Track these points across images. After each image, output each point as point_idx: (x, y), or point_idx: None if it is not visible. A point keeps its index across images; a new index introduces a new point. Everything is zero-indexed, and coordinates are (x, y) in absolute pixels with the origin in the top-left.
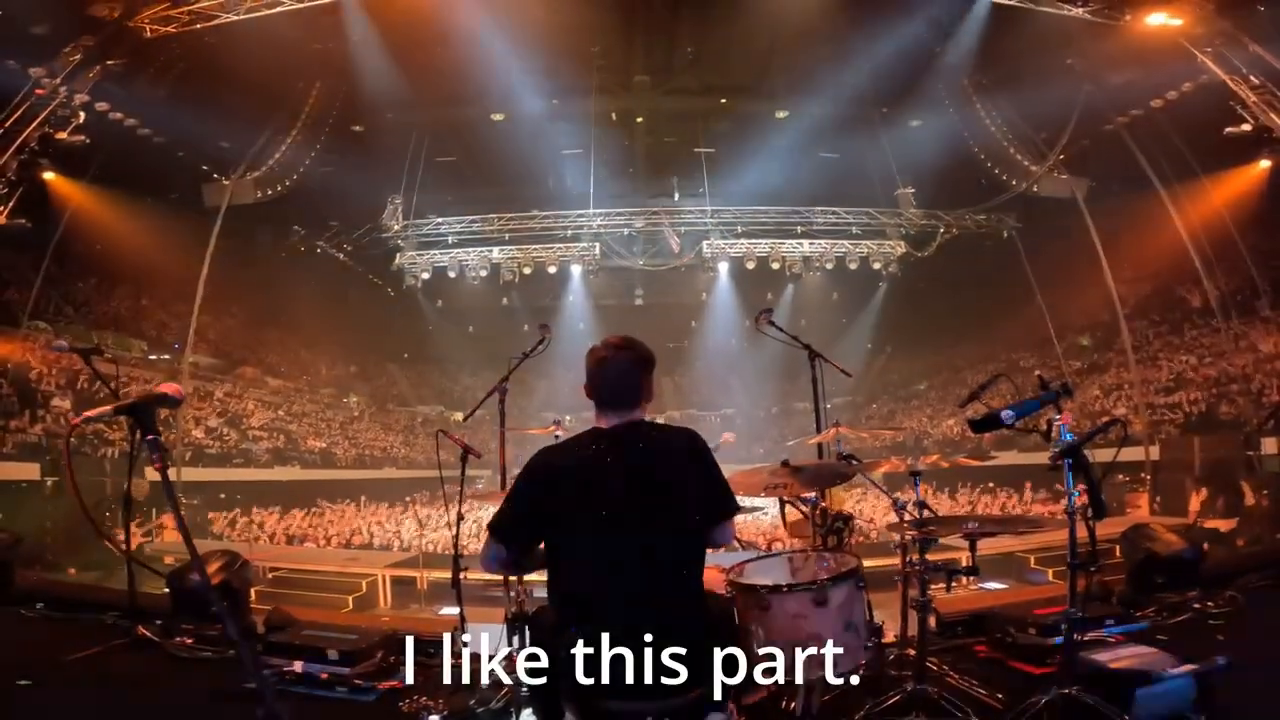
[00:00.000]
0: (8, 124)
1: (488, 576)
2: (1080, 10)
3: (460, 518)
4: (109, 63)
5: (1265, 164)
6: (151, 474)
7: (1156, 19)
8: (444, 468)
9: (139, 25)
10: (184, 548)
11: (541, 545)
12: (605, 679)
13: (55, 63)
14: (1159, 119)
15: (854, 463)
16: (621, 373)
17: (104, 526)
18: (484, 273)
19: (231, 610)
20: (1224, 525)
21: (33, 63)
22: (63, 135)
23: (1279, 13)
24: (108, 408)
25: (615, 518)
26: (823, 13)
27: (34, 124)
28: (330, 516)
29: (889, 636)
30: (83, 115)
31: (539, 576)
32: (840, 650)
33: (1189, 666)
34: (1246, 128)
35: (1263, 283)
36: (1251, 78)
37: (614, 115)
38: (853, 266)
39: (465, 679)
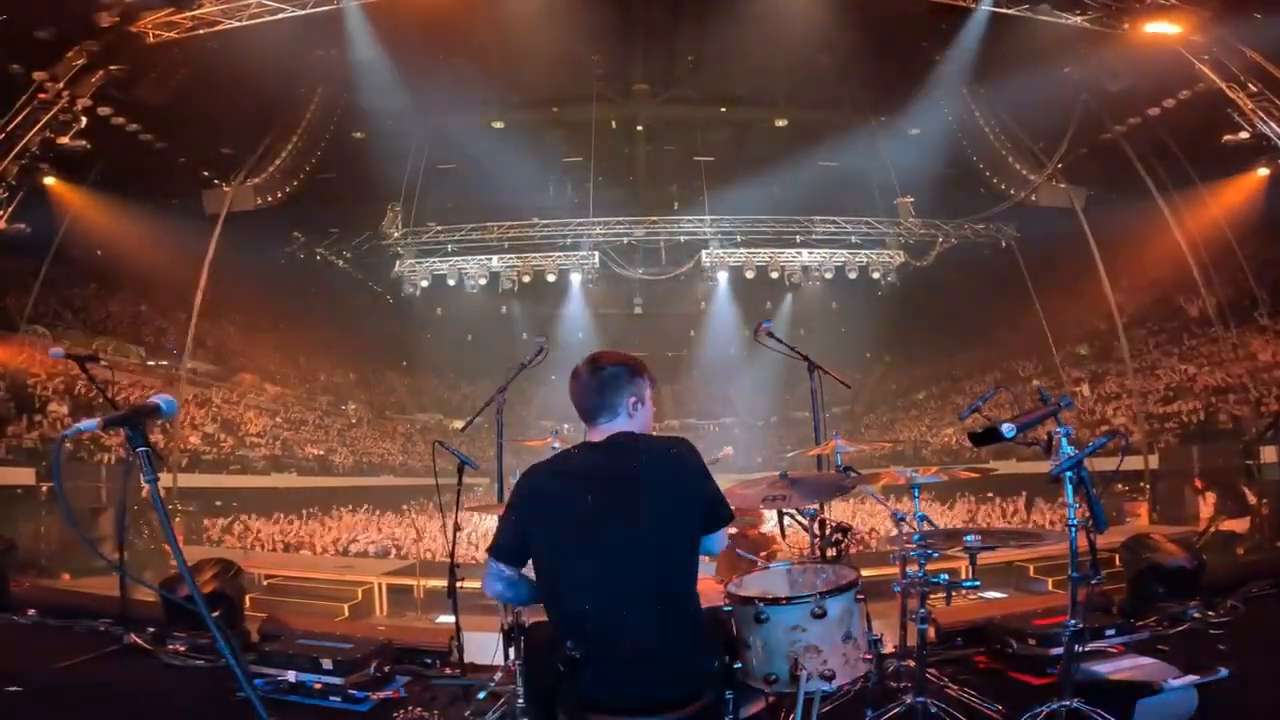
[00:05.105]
0: (9, 128)
1: (483, 585)
2: (1078, 19)
3: (457, 527)
4: (111, 68)
5: (1263, 172)
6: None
7: (1154, 27)
8: (441, 476)
9: (141, 30)
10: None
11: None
12: (601, 693)
13: (57, 67)
14: (1157, 127)
15: (852, 474)
16: (585, 386)
17: (97, 534)
18: (483, 281)
19: (226, 618)
20: (1238, 526)
21: (35, 67)
22: (64, 140)
23: (1276, 20)
24: (97, 420)
25: (604, 530)
26: (822, 22)
27: (35, 128)
28: (322, 526)
29: (888, 648)
30: (84, 120)
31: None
32: (839, 662)
33: (1190, 677)
34: (1244, 135)
35: (1261, 291)
36: (1249, 85)
37: (614, 123)
38: (852, 276)
39: (461, 690)
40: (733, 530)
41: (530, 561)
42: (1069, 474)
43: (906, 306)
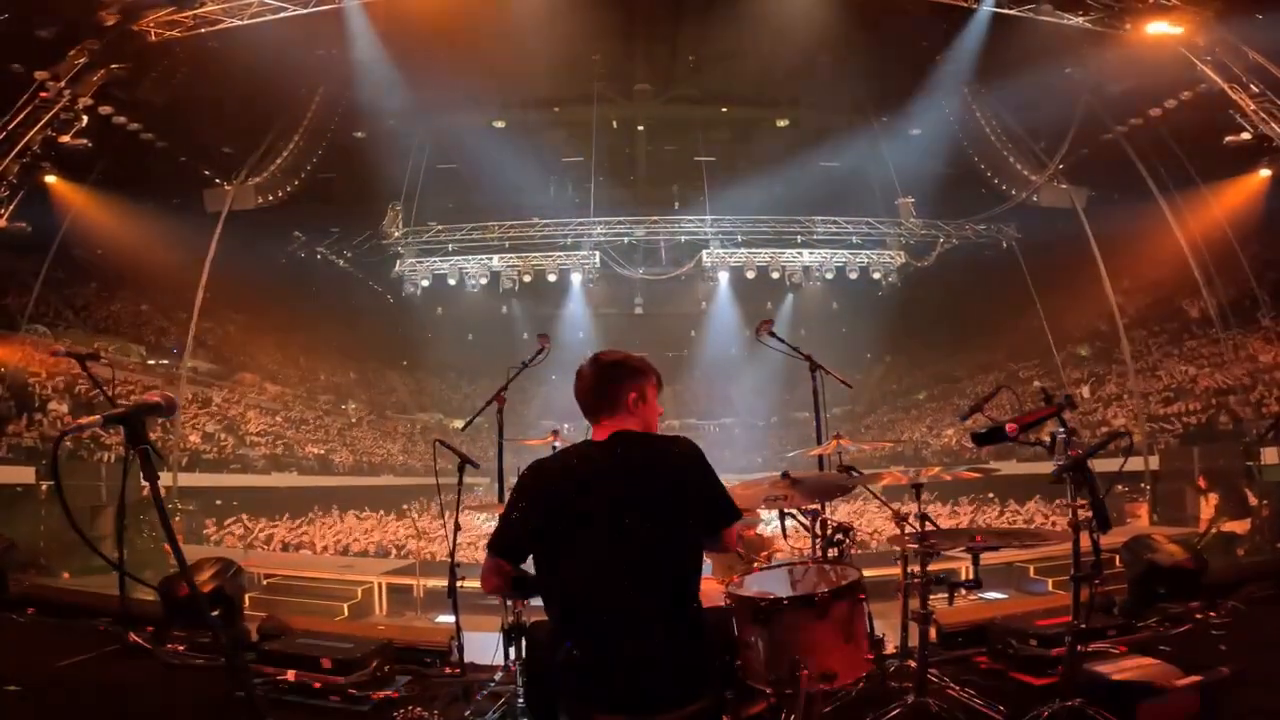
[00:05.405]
0: (11, 127)
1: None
2: (1080, 19)
3: (458, 526)
4: (113, 66)
5: (1265, 173)
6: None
7: (1156, 27)
8: (442, 475)
9: (143, 29)
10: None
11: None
12: (602, 692)
13: (59, 66)
14: (1158, 128)
15: (855, 474)
16: (587, 383)
17: (97, 532)
18: (484, 280)
19: (225, 617)
20: (1238, 527)
21: (37, 66)
22: (65, 139)
23: (1278, 20)
24: (97, 418)
25: (605, 528)
26: (824, 22)
27: (37, 127)
28: (321, 528)
29: (889, 648)
30: (86, 119)
31: None
32: (840, 663)
33: (1193, 678)
34: (1246, 136)
35: (1262, 292)
36: (1251, 86)
37: (615, 123)
38: (852, 276)
39: (461, 690)
40: None
41: (529, 557)
42: (1071, 474)
43: (907, 307)
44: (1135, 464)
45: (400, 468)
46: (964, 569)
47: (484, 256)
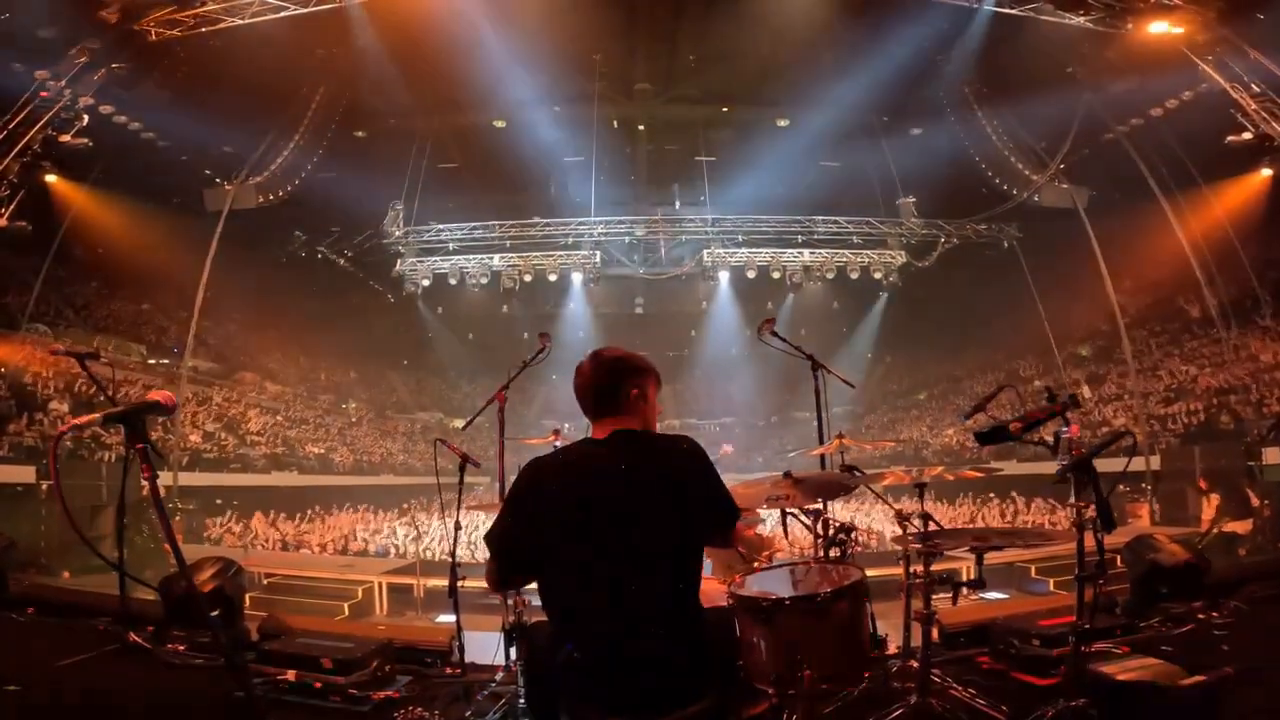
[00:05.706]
0: (11, 126)
1: (485, 584)
2: (1081, 19)
3: (458, 526)
4: (114, 66)
5: (1266, 172)
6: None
7: (1158, 27)
8: (442, 475)
9: (144, 28)
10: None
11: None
12: (603, 693)
13: (60, 65)
14: (1160, 128)
15: (857, 474)
16: (587, 379)
17: (97, 532)
18: (484, 280)
19: (225, 617)
20: (1240, 527)
21: (37, 65)
22: (66, 138)
23: (1279, 20)
24: (97, 415)
25: (605, 527)
26: (824, 22)
27: (37, 126)
28: (323, 525)
29: (892, 648)
30: (86, 118)
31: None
32: (843, 663)
33: (1197, 678)
34: (1247, 136)
35: (1263, 292)
36: (1253, 85)
37: (616, 123)
38: (853, 276)
39: (461, 690)
40: None
41: (525, 555)
42: (1076, 474)
43: (908, 307)
44: (1136, 464)
45: (400, 467)
46: (964, 569)
47: (484, 256)
